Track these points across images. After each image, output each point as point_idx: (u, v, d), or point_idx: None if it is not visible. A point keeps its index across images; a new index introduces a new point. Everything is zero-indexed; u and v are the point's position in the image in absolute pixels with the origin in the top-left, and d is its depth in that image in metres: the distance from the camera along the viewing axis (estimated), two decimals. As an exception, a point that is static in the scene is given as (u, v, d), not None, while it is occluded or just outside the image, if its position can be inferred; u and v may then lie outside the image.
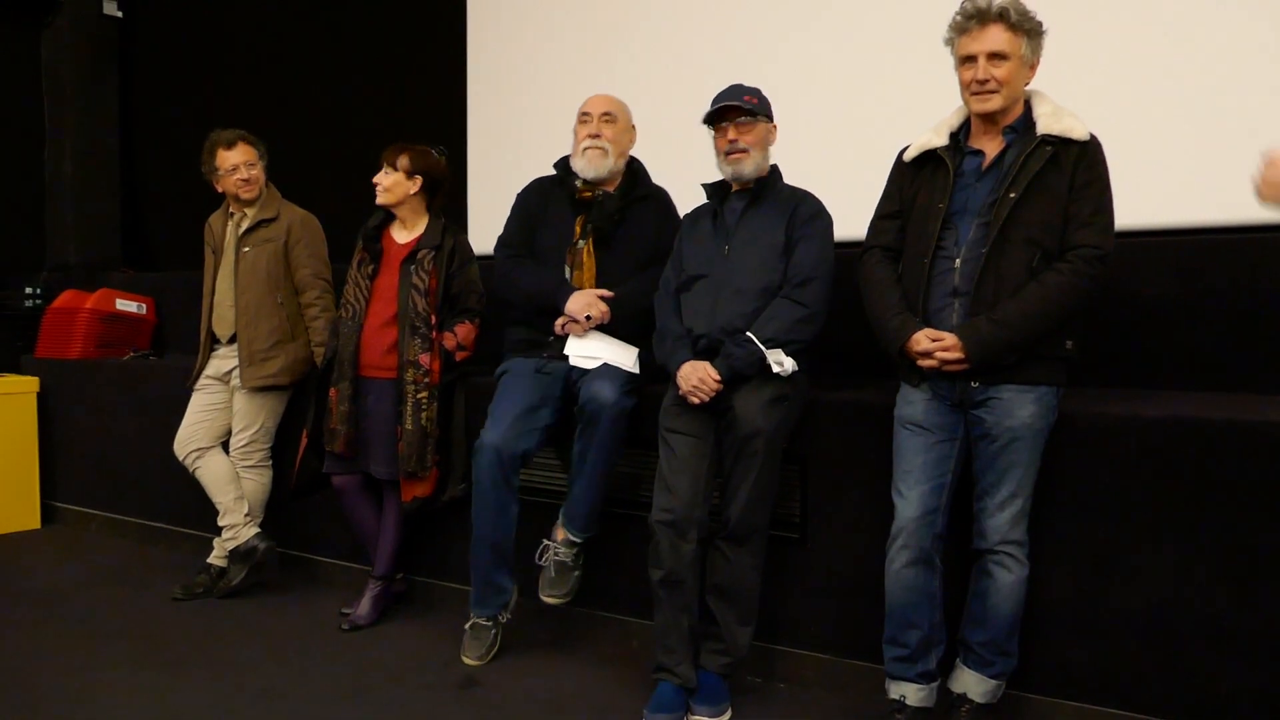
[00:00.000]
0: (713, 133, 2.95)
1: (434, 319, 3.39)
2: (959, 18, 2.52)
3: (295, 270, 3.83)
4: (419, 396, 3.32)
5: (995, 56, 2.47)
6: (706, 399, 2.79)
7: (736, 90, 2.92)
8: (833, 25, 3.83)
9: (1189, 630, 2.48)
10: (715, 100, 2.92)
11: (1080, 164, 2.47)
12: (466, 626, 3.22)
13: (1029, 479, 2.50)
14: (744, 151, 2.88)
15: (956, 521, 2.59)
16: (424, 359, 3.34)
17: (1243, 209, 2.98)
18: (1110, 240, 2.48)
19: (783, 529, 2.96)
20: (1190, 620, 2.47)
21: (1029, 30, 2.49)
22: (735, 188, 2.98)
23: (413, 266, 3.42)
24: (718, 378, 2.78)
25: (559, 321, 3.17)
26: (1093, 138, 2.48)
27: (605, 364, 3.09)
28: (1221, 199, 2.98)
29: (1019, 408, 2.47)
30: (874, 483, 2.73)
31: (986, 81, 2.48)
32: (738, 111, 2.88)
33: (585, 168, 3.24)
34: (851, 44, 3.80)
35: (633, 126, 3.35)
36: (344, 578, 3.94)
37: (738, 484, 2.76)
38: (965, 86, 2.53)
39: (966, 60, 2.51)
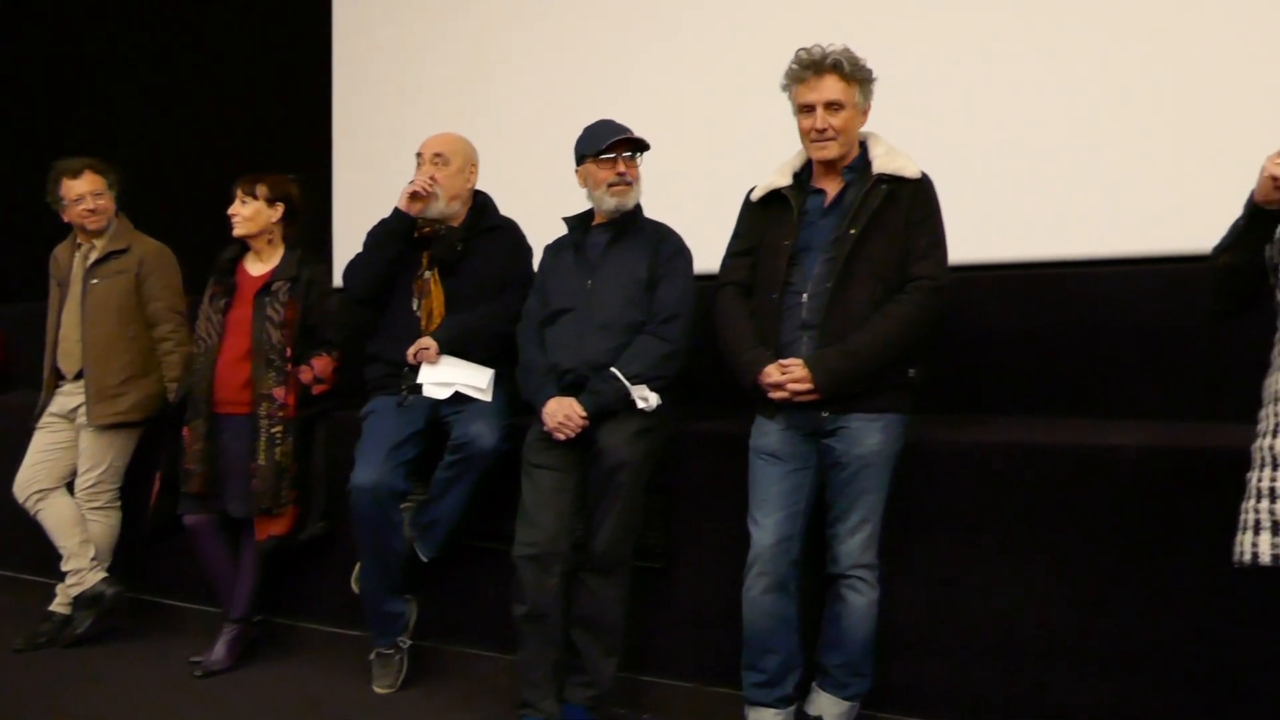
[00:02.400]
0: (588, 165, 2.97)
1: (289, 352, 3.32)
2: (795, 67, 2.63)
3: (148, 303, 3.70)
4: (273, 431, 3.25)
5: (832, 105, 2.59)
6: (573, 435, 2.82)
7: (618, 126, 2.98)
8: (689, 62, 3.93)
9: (1030, 645, 2.59)
10: (601, 134, 2.96)
11: (915, 201, 2.60)
12: (371, 657, 3.21)
13: (878, 504, 2.58)
14: (628, 185, 2.96)
15: (811, 547, 2.65)
16: (278, 393, 3.27)
17: (1075, 244, 3.20)
18: (946, 271, 2.61)
19: (647, 559, 2.98)
20: (1031, 636, 2.59)
21: (861, 80, 2.62)
22: (598, 221, 3.03)
23: (267, 298, 3.35)
24: (584, 414, 2.81)
25: (411, 350, 3.16)
26: (924, 176, 2.62)
27: (482, 403, 3.10)
28: (1055, 235, 3.17)
29: (867, 436, 2.56)
30: (734, 512, 2.78)
31: (825, 130, 2.60)
32: (629, 145, 2.95)
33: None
34: (705, 82, 3.89)
35: (473, 165, 3.34)
36: (199, 622, 3.79)
37: (603, 516, 2.78)
38: (804, 134, 2.64)
39: (805, 109, 2.62)
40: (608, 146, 2.93)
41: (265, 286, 3.39)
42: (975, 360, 3.11)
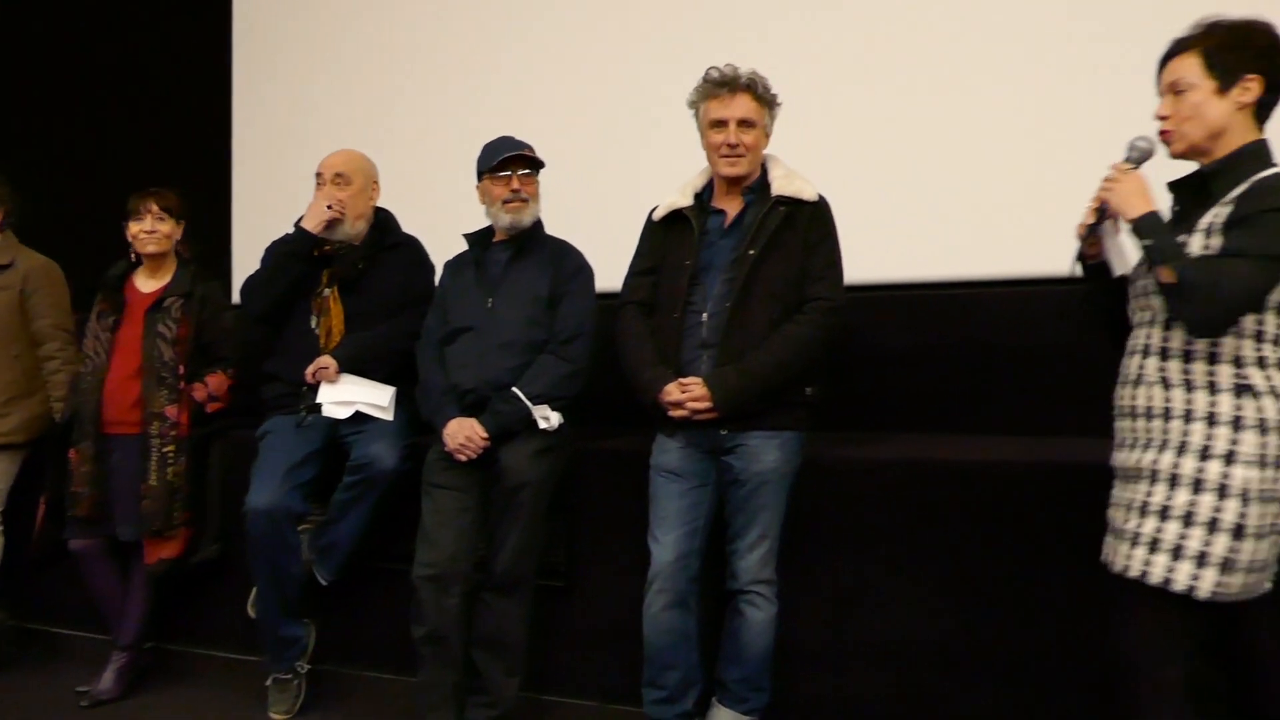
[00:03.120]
0: (485, 181, 2.98)
1: (182, 369, 3.24)
2: (708, 84, 2.67)
3: (33, 320, 3.56)
4: (165, 450, 3.16)
5: (744, 123, 2.64)
6: (474, 456, 2.80)
7: (515, 142, 2.98)
8: (593, 81, 3.95)
9: (921, 658, 2.66)
10: (497, 150, 2.96)
11: (812, 223, 2.66)
12: (268, 683, 3.13)
13: (776, 521, 2.63)
14: (524, 201, 2.95)
15: (711, 564, 2.68)
16: (170, 411, 3.18)
17: (966, 265, 3.29)
18: (842, 292, 2.68)
19: (549, 578, 2.98)
20: (922, 648, 2.66)
21: (769, 102, 2.69)
22: (498, 238, 3.03)
23: (159, 315, 3.26)
24: (485, 435, 2.80)
25: (309, 369, 3.11)
26: (821, 198, 2.69)
27: (382, 423, 3.07)
28: (947, 256, 3.26)
29: (765, 453, 2.60)
30: (635, 530, 2.80)
31: (736, 146, 2.64)
32: (523, 162, 2.95)
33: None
34: (610, 101, 3.92)
35: (375, 183, 3.32)
36: (87, 650, 3.65)
37: (504, 535, 2.77)
38: (714, 149, 2.67)
39: (717, 124, 2.65)
40: (501, 163, 2.93)
41: (157, 303, 3.29)
42: (870, 378, 3.20)
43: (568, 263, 2.99)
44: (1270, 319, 1.94)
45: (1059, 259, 3.09)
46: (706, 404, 2.56)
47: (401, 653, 3.00)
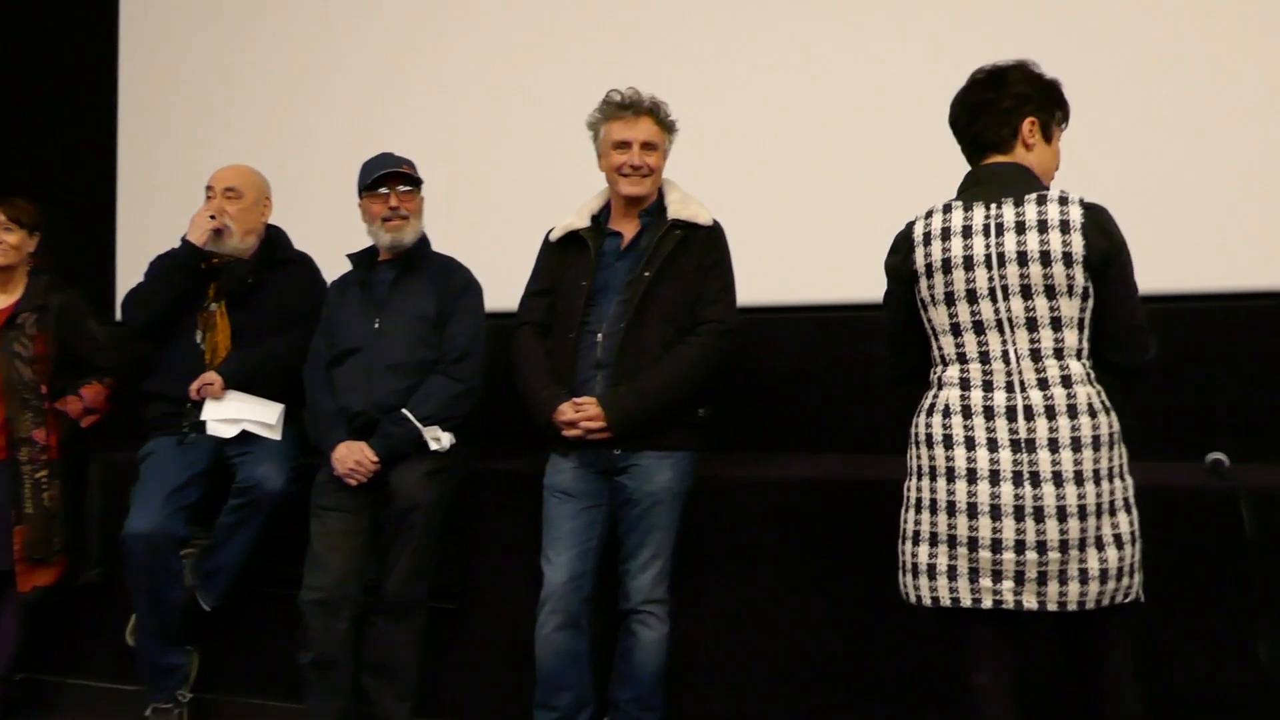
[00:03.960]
0: (364, 199, 2.95)
1: (45, 388, 3.11)
2: (611, 106, 2.70)
3: None
4: (38, 476, 3.03)
5: (647, 146, 2.69)
6: (364, 480, 2.77)
7: (393, 159, 2.96)
8: (490, 100, 3.93)
9: (810, 675, 2.71)
10: (373, 168, 2.93)
11: (707, 247, 2.71)
12: (147, 713, 3.00)
13: (669, 541, 2.65)
14: (404, 219, 2.93)
15: (604, 584, 2.68)
16: (39, 434, 3.05)
17: (856, 289, 3.37)
18: (734, 315, 2.73)
19: (442, 600, 2.95)
20: (811, 665, 2.71)
21: (669, 127, 2.74)
22: (384, 256, 2.99)
23: (13, 333, 3.12)
24: (375, 458, 2.76)
25: (194, 386, 3.03)
26: (716, 223, 2.74)
27: (270, 442, 3.00)
28: (838, 280, 3.34)
29: (658, 473, 2.63)
30: (529, 550, 2.78)
31: (640, 167, 2.68)
32: (400, 179, 2.92)
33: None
34: (507, 121, 3.91)
35: (267, 199, 3.26)
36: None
37: (396, 557, 2.74)
38: (616, 170, 2.70)
39: (621, 145, 2.68)
40: (378, 180, 2.91)
41: (9, 320, 3.14)
42: (762, 399, 3.26)
43: (455, 280, 2.97)
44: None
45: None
46: (601, 424, 2.58)
47: (288, 679, 2.92)
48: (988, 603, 1.95)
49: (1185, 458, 2.66)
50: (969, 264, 1.99)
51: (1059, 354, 1.96)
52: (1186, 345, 2.89)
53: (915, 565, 2.03)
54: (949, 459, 1.98)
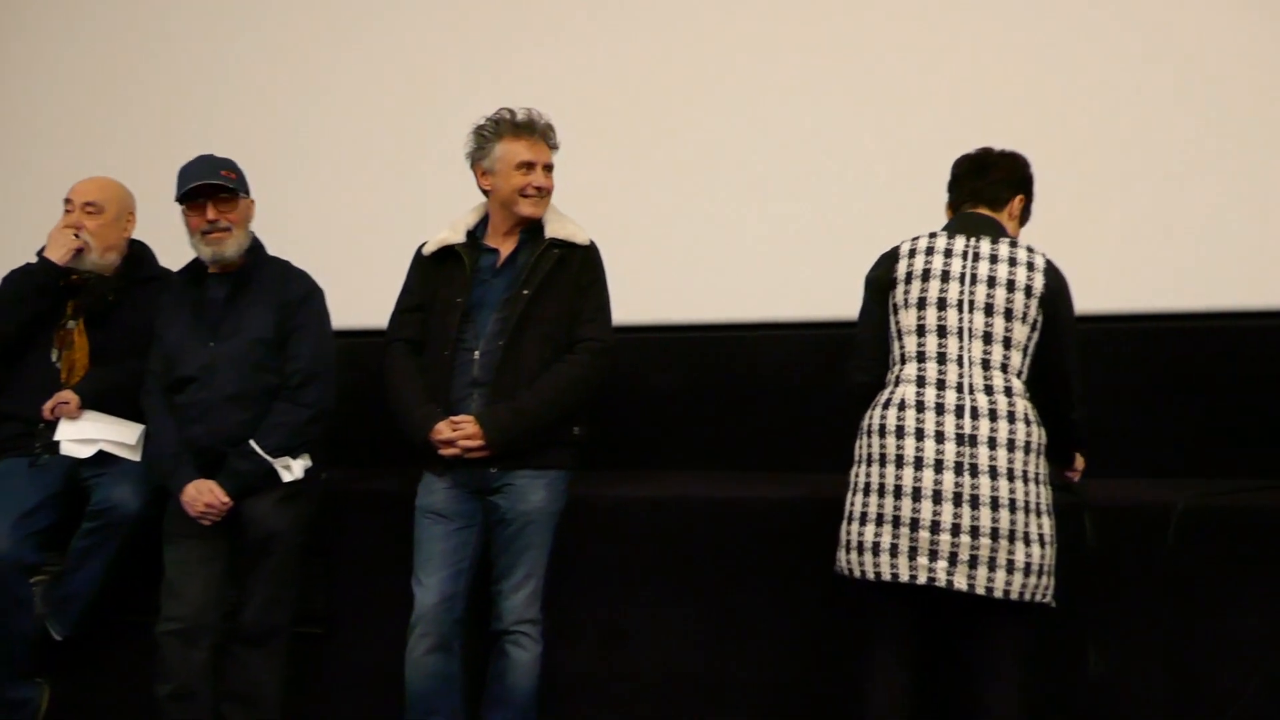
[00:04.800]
0: (184, 210, 2.81)
1: None
2: (511, 124, 2.69)
3: None
4: None
5: (548, 167, 2.71)
6: (218, 519, 2.68)
7: (210, 163, 2.81)
8: (351, 104, 3.86)
9: (685, 691, 2.73)
10: (188, 176, 2.78)
11: (584, 266, 2.73)
12: None
13: (542, 560, 2.64)
14: (226, 231, 2.78)
15: (479, 605, 2.66)
16: None
17: (731, 309, 3.44)
18: (611, 334, 2.75)
19: (307, 625, 2.87)
20: (685, 682, 2.73)
21: (555, 148, 2.76)
22: (213, 270, 2.85)
23: None
24: (225, 498, 2.67)
25: (48, 405, 2.89)
26: (592, 243, 2.76)
27: (127, 463, 2.88)
28: (713, 299, 3.40)
29: (532, 493, 2.62)
30: (401, 572, 2.74)
31: (543, 189, 2.70)
32: (216, 190, 2.78)
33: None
34: (375, 133, 3.83)
35: (130, 213, 3.10)
36: None
37: (254, 584, 2.68)
38: (516, 190, 2.69)
39: (524, 166, 2.68)
40: (189, 191, 2.77)
41: None
42: (637, 418, 3.28)
43: (292, 291, 2.84)
44: None
45: (820, 303, 3.32)
46: (478, 442, 2.57)
47: (145, 712, 2.79)
48: (923, 579, 2.15)
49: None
50: (945, 277, 2.28)
51: (1005, 368, 2.23)
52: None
53: (861, 543, 2.24)
54: (899, 447, 2.21)
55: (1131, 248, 3.14)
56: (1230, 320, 3.08)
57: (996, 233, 2.34)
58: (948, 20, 3.36)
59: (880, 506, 2.21)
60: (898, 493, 2.19)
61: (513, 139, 2.69)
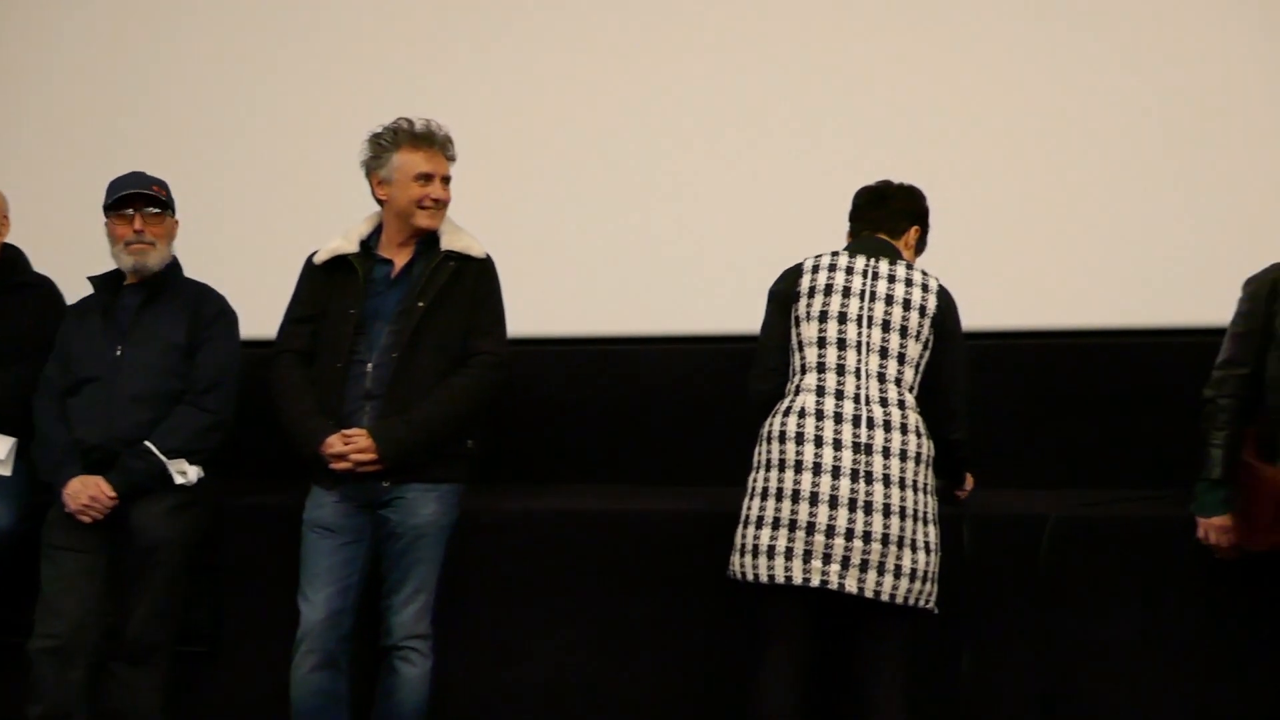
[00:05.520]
0: (109, 219, 2.80)
1: None
2: (409, 134, 2.67)
3: None
4: None
5: (446, 179, 2.70)
6: (100, 517, 2.61)
7: (144, 178, 2.82)
8: (242, 113, 3.81)
9: (576, 704, 2.74)
10: (119, 187, 2.80)
11: (479, 279, 2.73)
12: None
13: (432, 574, 2.62)
14: (149, 244, 2.79)
15: (369, 621, 2.63)
16: None
17: (625, 322, 3.47)
18: (506, 347, 2.75)
19: (191, 643, 2.80)
20: (576, 694, 2.74)
21: (453, 160, 2.75)
22: (130, 280, 2.83)
23: None
24: (112, 494, 2.61)
25: None
26: (488, 256, 2.76)
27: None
28: (608, 312, 3.43)
29: (423, 506, 2.61)
30: (288, 589, 2.69)
31: (441, 200, 2.68)
32: (147, 201, 2.79)
33: None
34: (268, 140, 3.79)
35: (3, 218, 3.01)
36: None
37: (137, 600, 2.61)
38: (417, 201, 2.66)
39: (423, 178, 2.66)
40: (122, 200, 2.78)
41: None
42: (532, 431, 3.29)
43: (207, 308, 2.86)
44: None
45: (714, 317, 3.37)
46: (371, 455, 2.54)
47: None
48: (815, 581, 2.22)
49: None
50: (846, 292, 2.37)
51: (898, 382, 2.34)
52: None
53: (756, 547, 2.29)
54: (799, 453, 2.28)
55: (1012, 268, 3.26)
56: (1104, 338, 3.22)
57: (894, 255, 2.44)
58: (850, 41, 3.44)
59: (778, 511, 2.27)
60: (795, 497, 2.25)
61: (411, 149, 2.67)
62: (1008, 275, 3.22)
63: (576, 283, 3.48)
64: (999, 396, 3.06)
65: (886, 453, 2.25)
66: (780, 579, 2.25)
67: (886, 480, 2.24)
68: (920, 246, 2.60)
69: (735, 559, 2.35)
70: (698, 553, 2.68)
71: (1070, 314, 3.24)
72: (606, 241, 3.50)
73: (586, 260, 3.50)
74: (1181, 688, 2.50)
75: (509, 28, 3.65)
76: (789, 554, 2.24)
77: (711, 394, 3.25)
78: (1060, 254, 3.26)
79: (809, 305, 2.39)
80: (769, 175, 3.42)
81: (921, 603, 2.27)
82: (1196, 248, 3.16)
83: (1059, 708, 2.54)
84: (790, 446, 2.29)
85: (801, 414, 2.30)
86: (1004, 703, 2.58)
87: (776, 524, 2.27)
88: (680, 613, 2.71)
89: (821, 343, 2.35)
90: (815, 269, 2.43)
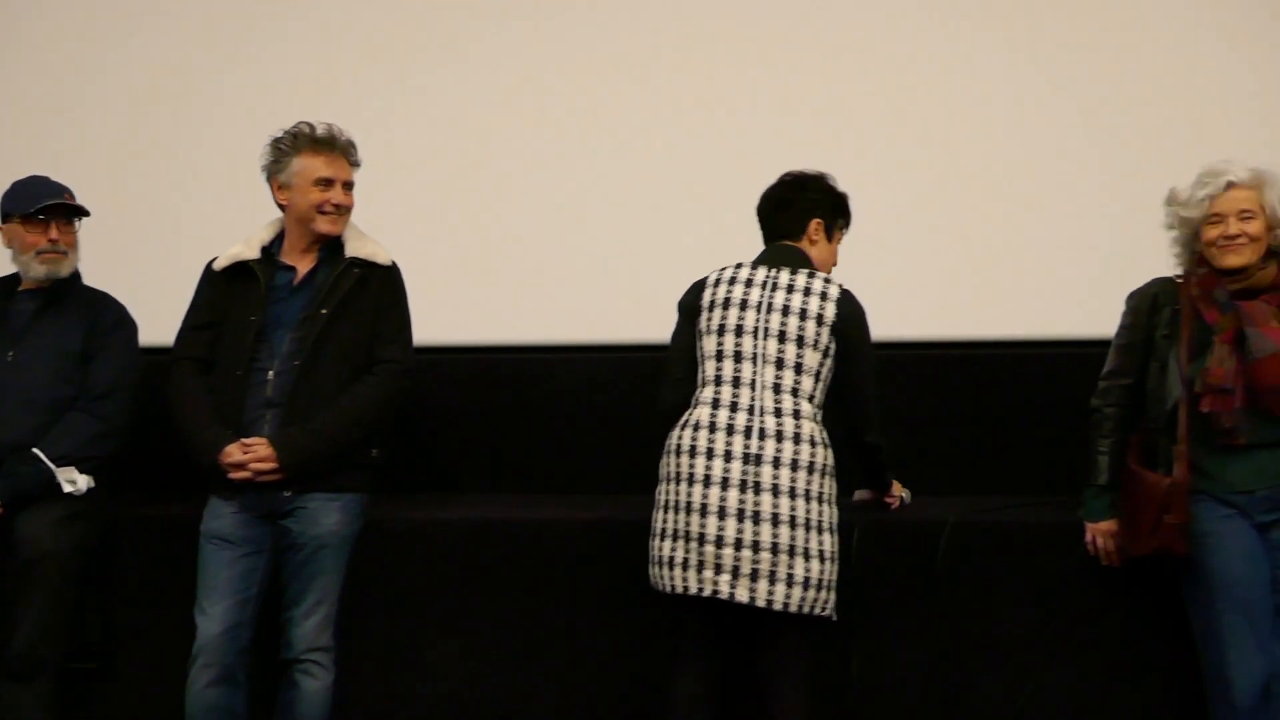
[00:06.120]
0: (15, 225, 2.74)
1: None
2: (309, 139, 2.65)
3: None
4: None
5: (348, 185, 2.68)
6: None
7: (53, 186, 2.76)
8: (142, 113, 3.71)
9: (484, 715, 2.72)
10: (35, 195, 2.74)
11: (384, 287, 2.71)
12: None
13: (335, 585, 2.58)
14: (63, 254, 2.75)
15: (269, 634, 2.57)
16: None
17: (533, 330, 3.46)
18: (412, 355, 2.73)
19: (80, 660, 2.72)
20: (481, 706, 2.72)
21: (357, 165, 2.73)
22: (26, 286, 2.77)
23: None
24: None
25: None
26: (394, 263, 2.74)
27: None
28: (514, 320, 3.43)
29: (325, 516, 2.57)
30: (184, 602, 2.62)
31: (342, 206, 2.67)
32: (65, 209, 2.74)
33: None
34: (162, 135, 3.70)
35: None
36: None
37: (21, 615, 2.52)
38: (317, 206, 2.64)
39: (323, 182, 2.64)
40: (40, 209, 2.71)
41: None
42: (437, 440, 3.26)
43: (106, 316, 2.80)
44: None
45: (621, 326, 3.38)
46: (272, 465, 2.50)
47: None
48: (708, 591, 2.27)
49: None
50: (744, 305, 2.41)
51: (795, 393, 2.35)
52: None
53: (661, 558, 2.36)
54: (691, 466, 2.33)
55: (909, 280, 3.33)
56: (997, 349, 3.32)
57: (798, 263, 2.47)
58: (755, 44, 3.49)
59: (675, 522, 2.33)
60: (688, 509, 2.31)
61: (311, 154, 2.65)
62: (905, 287, 3.28)
63: (483, 291, 3.46)
64: (895, 405, 3.13)
65: (777, 463, 2.29)
66: (679, 589, 2.30)
67: (775, 490, 2.27)
68: (831, 231, 2.57)
69: (651, 570, 2.40)
70: (606, 562, 2.70)
71: (964, 325, 3.34)
72: (515, 250, 3.50)
73: (494, 269, 3.49)
74: (1073, 685, 2.59)
75: (414, 34, 3.63)
76: (685, 565, 2.29)
77: (619, 403, 3.26)
78: (954, 268, 3.36)
79: (709, 319, 2.44)
80: (682, 183, 3.45)
81: (817, 610, 2.30)
82: (1083, 264, 3.29)
83: (954, 707, 2.61)
84: (684, 460, 2.34)
85: (696, 427, 2.35)
86: (901, 704, 2.64)
87: (675, 535, 2.32)
88: (589, 623, 2.71)
89: (719, 356, 2.39)
90: (718, 282, 2.47)
